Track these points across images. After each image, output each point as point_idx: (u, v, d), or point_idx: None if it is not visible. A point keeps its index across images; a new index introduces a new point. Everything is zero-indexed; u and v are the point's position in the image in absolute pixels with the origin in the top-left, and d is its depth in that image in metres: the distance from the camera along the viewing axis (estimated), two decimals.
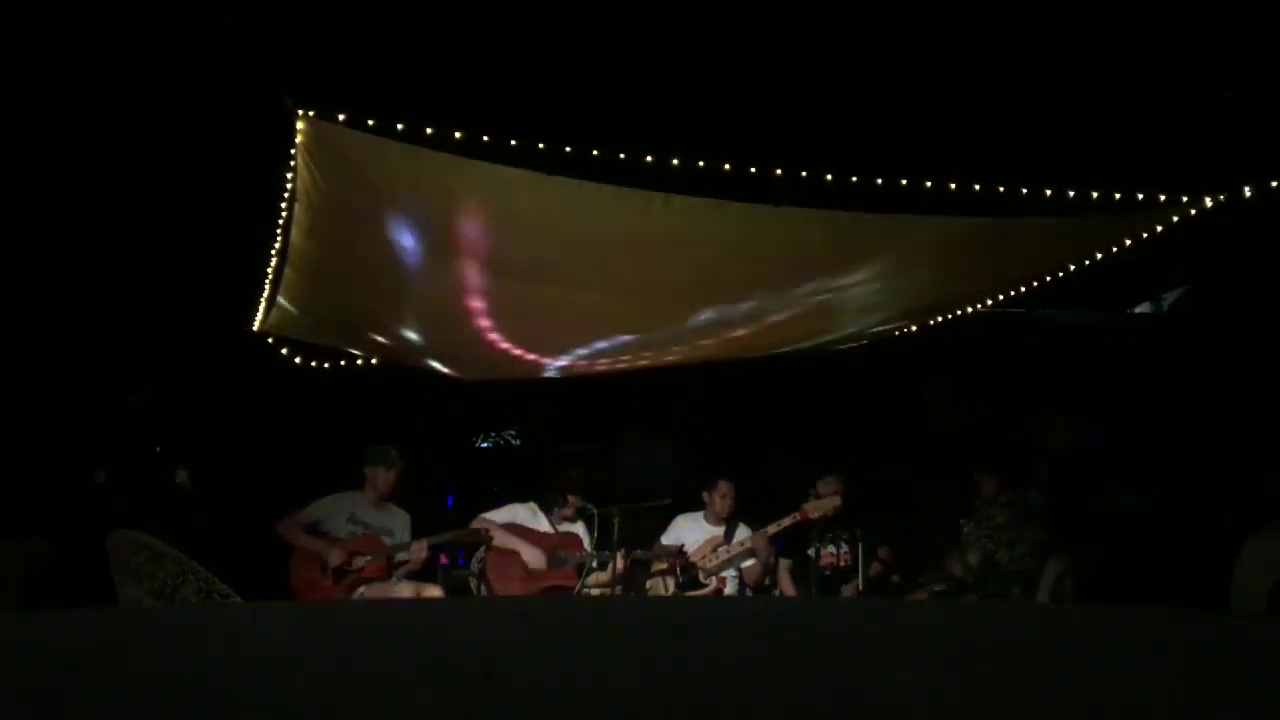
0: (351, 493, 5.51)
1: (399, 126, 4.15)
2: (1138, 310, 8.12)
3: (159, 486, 6.25)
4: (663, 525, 5.92)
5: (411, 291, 5.54)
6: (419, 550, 5.35)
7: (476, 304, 5.51)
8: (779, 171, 4.53)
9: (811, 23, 4.97)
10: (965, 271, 5.36)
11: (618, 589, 5.33)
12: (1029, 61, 5.06)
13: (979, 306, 6.08)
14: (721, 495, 5.81)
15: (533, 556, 5.58)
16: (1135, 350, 7.62)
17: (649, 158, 4.42)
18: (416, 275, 5.34)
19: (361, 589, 5.24)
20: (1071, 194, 4.61)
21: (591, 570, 5.57)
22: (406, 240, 4.96)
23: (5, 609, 5.41)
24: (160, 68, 5.07)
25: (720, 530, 5.80)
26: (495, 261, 5.09)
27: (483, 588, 5.63)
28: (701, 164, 4.42)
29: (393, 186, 4.53)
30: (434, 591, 5.39)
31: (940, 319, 6.25)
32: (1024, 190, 4.61)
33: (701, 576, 5.65)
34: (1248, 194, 4.68)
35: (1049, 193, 4.60)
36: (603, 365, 6.61)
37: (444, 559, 5.93)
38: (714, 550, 5.69)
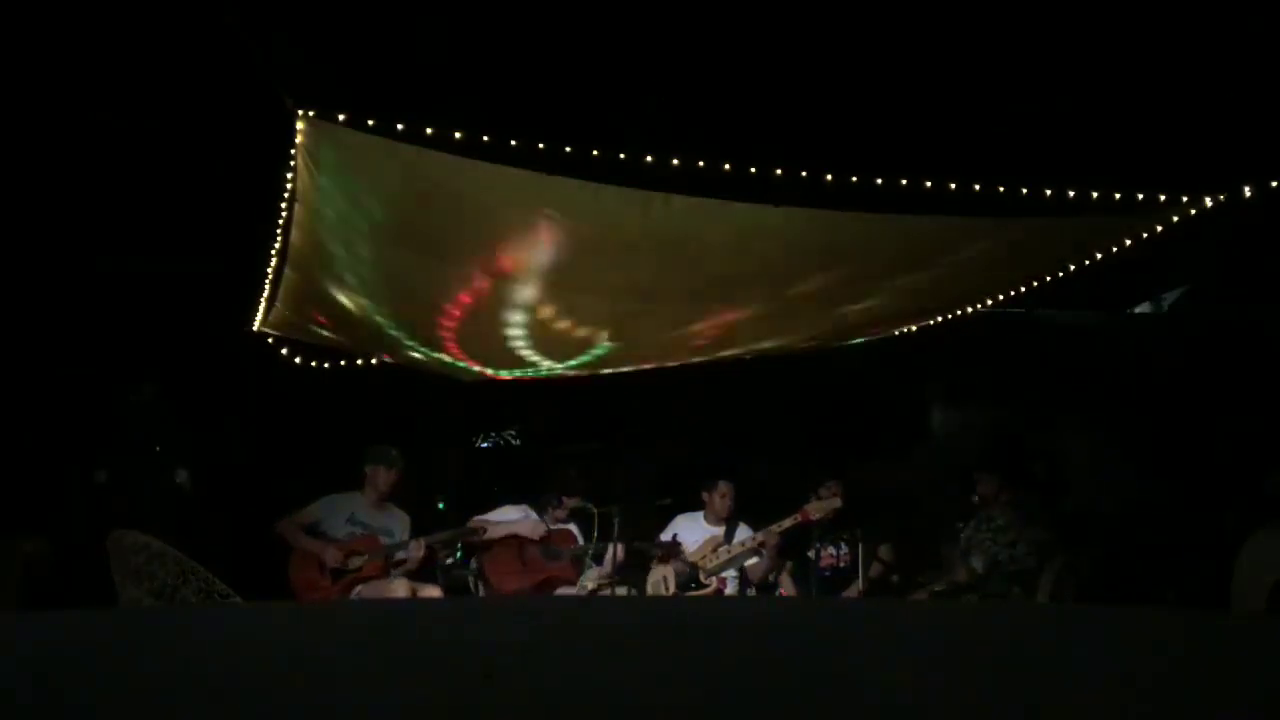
0: (351, 493, 5.51)
1: (399, 126, 4.15)
2: (1138, 310, 8.11)
3: (159, 486, 6.24)
4: (662, 525, 5.92)
5: (411, 291, 5.53)
6: (417, 550, 5.35)
7: (475, 304, 5.51)
8: (779, 171, 4.53)
9: (811, 23, 4.97)
10: (965, 271, 5.35)
11: (616, 579, 5.34)
12: (1029, 61, 5.05)
13: (979, 306, 6.08)
14: (721, 495, 5.81)
15: (528, 551, 5.59)
16: (1135, 350, 7.61)
17: (649, 158, 4.42)
18: (416, 275, 5.34)
19: (359, 589, 5.24)
20: (1071, 194, 4.61)
21: (590, 566, 5.58)
22: (406, 240, 4.96)
23: (5, 609, 5.41)
24: (160, 68, 5.06)
25: (720, 530, 5.80)
26: (495, 261, 5.09)
27: (481, 585, 5.64)
28: (701, 164, 4.42)
29: (393, 186, 4.53)
30: (433, 591, 5.39)
31: (940, 319, 6.25)
32: (1024, 190, 4.61)
33: (702, 576, 5.65)
34: (1248, 194, 4.67)
35: (1049, 193, 4.60)
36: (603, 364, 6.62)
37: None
38: (714, 550, 5.69)
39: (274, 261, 5.14)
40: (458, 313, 5.59)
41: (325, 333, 6.29)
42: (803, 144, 4.87)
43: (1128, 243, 5.18)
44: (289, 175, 4.36)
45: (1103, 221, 4.90)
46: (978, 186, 4.63)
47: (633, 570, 5.66)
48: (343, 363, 7.01)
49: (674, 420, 7.67)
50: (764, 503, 5.95)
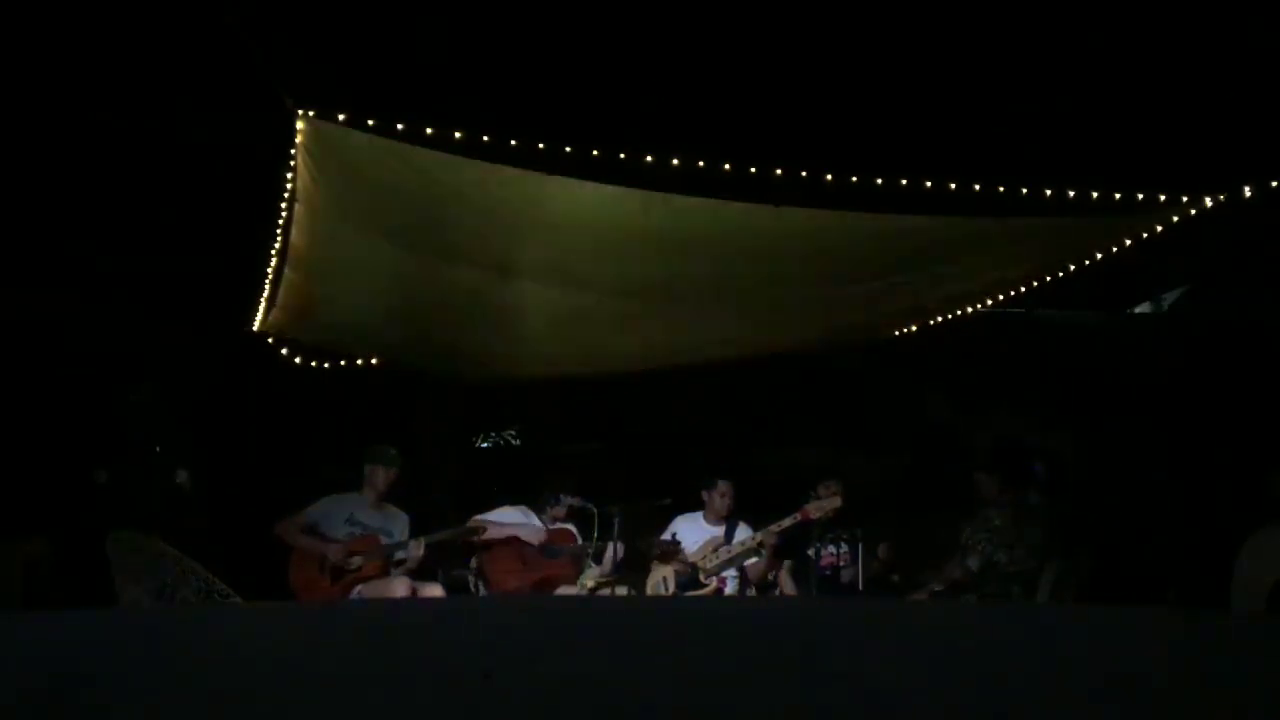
0: (350, 493, 5.51)
1: (399, 126, 4.15)
2: (1138, 310, 8.11)
3: (159, 486, 6.24)
4: (663, 525, 5.92)
5: (410, 291, 5.54)
6: (416, 549, 5.35)
7: (474, 303, 5.52)
8: (779, 171, 4.53)
9: (811, 23, 4.97)
10: (965, 271, 5.35)
11: (615, 577, 5.33)
12: (1029, 61, 5.05)
13: (979, 306, 6.08)
14: (721, 495, 5.80)
15: (528, 549, 5.59)
16: (1135, 350, 7.61)
17: (649, 158, 4.42)
18: (415, 275, 5.34)
19: (359, 589, 5.24)
20: (1071, 194, 4.61)
21: (590, 565, 5.58)
22: (405, 240, 4.97)
23: (5, 609, 5.41)
24: (160, 68, 5.06)
25: (720, 530, 5.79)
26: (494, 262, 5.09)
27: (481, 584, 5.64)
28: (701, 164, 4.42)
29: (393, 186, 4.53)
30: (433, 591, 5.39)
31: (940, 319, 6.25)
32: (1024, 190, 4.61)
33: (702, 577, 5.65)
34: (1248, 194, 4.67)
35: (1049, 193, 4.59)
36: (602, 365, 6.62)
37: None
38: (714, 550, 5.69)
39: (274, 261, 5.14)
40: (457, 313, 5.59)
41: (324, 335, 6.30)
42: (803, 144, 4.87)
43: (1128, 243, 5.18)
44: (289, 175, 4.36)
45: (1103, 221, 4.90)
46: (978, 186, 4.63)
47: (632, 570, 5.66)
48: (343, 363, 7.01)
49: (674, 420, 7.67)
50: (764, 502, 5.94)
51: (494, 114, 4.55)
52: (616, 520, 5.30)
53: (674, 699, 1.84)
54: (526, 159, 4.26)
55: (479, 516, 5.71)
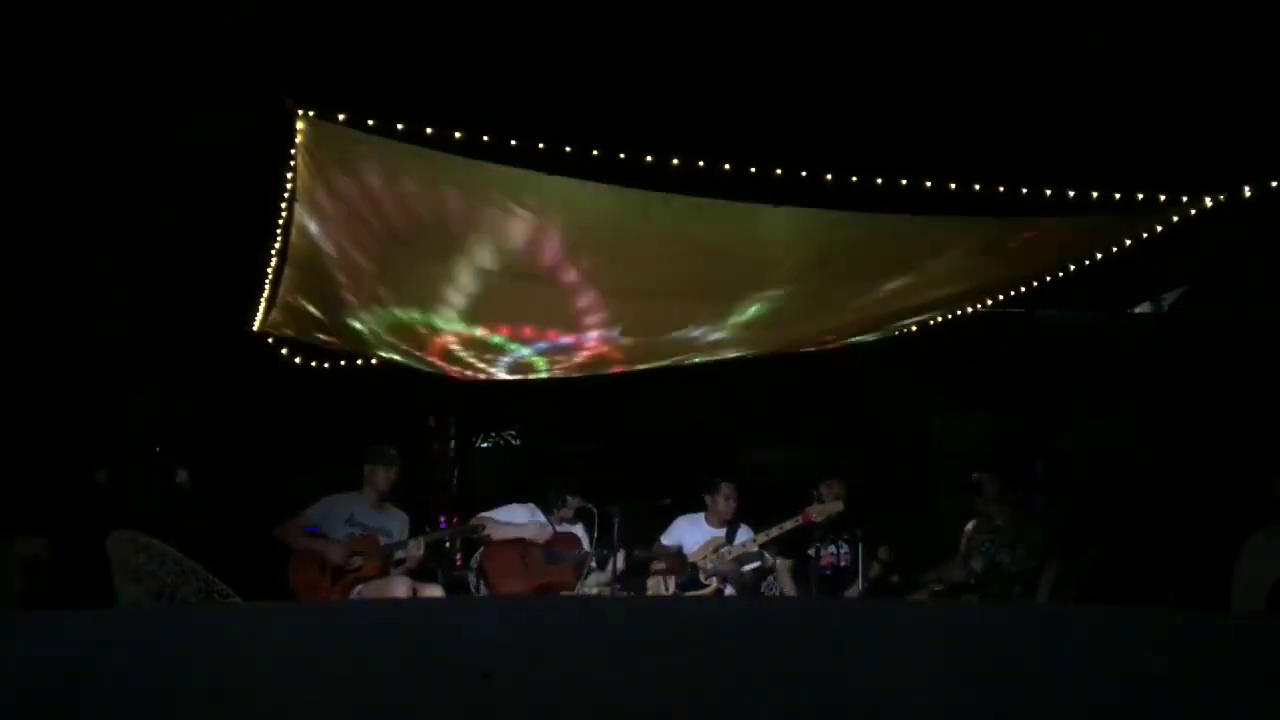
0: (350, 494, 5.51)
1: (399, 126, 4.15)
2: (1138, 310, 8.11)
3: (159, 486, 6.24)
4: (663, 526, 5.92)
5: (410, 291, 5.53)
6: (416, 549, 5.35)
7: (474, 304, 5.51)
8: (779, 171, 4.53)
9: (811, 23, 4.96)
10: (966, 271, 5.35)
11: (617, 588, 5.33)
12: (1029, 61, 5.05)
13: (979, 306, 6.07)
14: (725, 497, 5.80)
15: (530, 553, 5.58)
16: (1135, 350, 7.61)
17: (649, 158, 4.42)
18: (415, 275, 5.33)
19: (359, 589, 5.25)
20: (1071, 194, 4.60)
21: (591, 570, 5.57)
22: (405, 240, 4.96)
23: (5, 609, 5.41)
24: (160, 68, 5.06)
25: (722, 532, 5.79)
26: (494, 262, 5.09)
27: (481, 585, 5.64)
28: (701, 164, 4.42)
29: (392, 186, 4.53)
30: (433, 591, 5.39)
31: (940, 319, 6.25)
32: (1024, 190, 4.61)
33: (702, 577, 5.65)
34: (1248, 194, 4.67)
35: (1049, 193, 4.59)
36: (598, 357, 6.61)
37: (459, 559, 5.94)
38: (716, 552, 5.69)
39: (274, 261, 5.14)
40: (455, 312, 5.58)
41: (324, 335, 6.29)
42: (803, 144, 4.86)
43: (1128, 243, 5.17)
44: (289, 175, 4.36)
45: (1103, 221, 4.90)
46: (978, 186, 4.63)
47: (634, 577, 5.66)
48: (343, 363, 7.01)
49: (674, 420, 7.67)
50: (764, 502, 5.95)
51: (494, 114, 4.55)
52: (617, 520, 5.30)
53: (674, 699, 1.84)
54: (526, 159, 4.25)
55: (485, 514, 5.70)
